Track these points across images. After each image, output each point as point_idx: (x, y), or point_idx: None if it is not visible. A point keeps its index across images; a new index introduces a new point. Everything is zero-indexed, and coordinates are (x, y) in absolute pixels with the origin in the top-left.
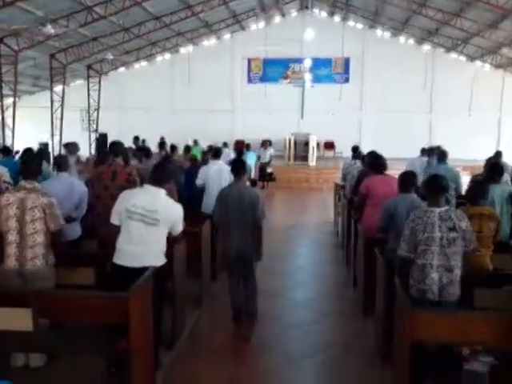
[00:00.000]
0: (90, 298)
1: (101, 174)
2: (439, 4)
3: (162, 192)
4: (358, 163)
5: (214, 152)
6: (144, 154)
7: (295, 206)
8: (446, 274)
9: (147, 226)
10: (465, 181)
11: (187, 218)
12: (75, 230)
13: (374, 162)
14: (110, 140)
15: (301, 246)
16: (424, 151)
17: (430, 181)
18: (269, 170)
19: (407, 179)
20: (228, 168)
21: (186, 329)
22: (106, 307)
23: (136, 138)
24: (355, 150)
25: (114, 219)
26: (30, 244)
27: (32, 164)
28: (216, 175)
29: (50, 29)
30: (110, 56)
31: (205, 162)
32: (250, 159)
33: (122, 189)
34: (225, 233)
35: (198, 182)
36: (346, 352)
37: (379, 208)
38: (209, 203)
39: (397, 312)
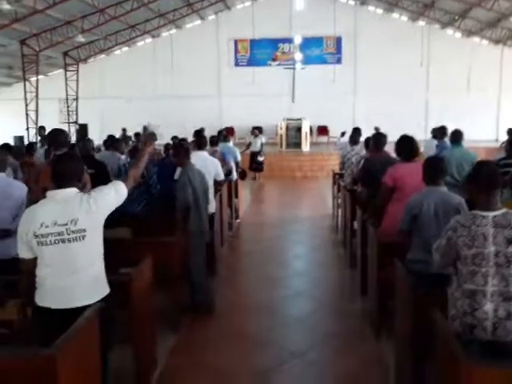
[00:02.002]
0: None
1: (38, 174)
2: None
3: (73, 192)
4: (358, 148)
5: (198, 141)
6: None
7: (289, 198)
8: (505, 304)
9: (70, 244)
10: None
11: (158, 221)
12: (10, 247)
13: (404, 147)
14: (90, 132)
15: (297, 245)
16: (434, 132)
17: (480, 172)
18: (260, 159)
19: (435, 167)
20: (213, 159)
21: (156, 369)
22: (20, 372)
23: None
24: (355, 133)
25: (22, 252)
26: None
27: None
28: (199, 168)
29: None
30: (81, 38)
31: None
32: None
33: None
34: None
35: (178, 176)
36: None
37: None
38: None
39: (438, 359)
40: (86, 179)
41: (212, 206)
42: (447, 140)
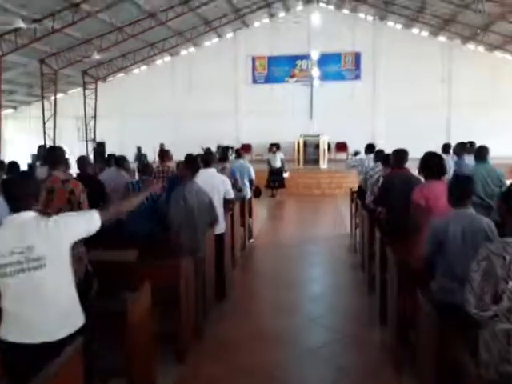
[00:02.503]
0: None
1: None
2: None
3: (30, 216)
4: (380, 166)
5: (204, 158)
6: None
7: (306, 216)
8: None
9: (31, 273)
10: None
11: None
12: None
13: (433, 163)
14: (108, 150)
15: (313, 267)
16: (446, 148)
17: None
18: (285, 175)
19: (463, 187)
20: (222, 177)
21: None
22: None
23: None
24: (373, 149)
25: None
26: None
27: None
28: (207, 186)
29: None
30: (96, 56)
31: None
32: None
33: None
34: None
35: None
36: None
37: None
38: None
39: None
40: (81, 198)
41: (221, 227)
42: (466, 157)
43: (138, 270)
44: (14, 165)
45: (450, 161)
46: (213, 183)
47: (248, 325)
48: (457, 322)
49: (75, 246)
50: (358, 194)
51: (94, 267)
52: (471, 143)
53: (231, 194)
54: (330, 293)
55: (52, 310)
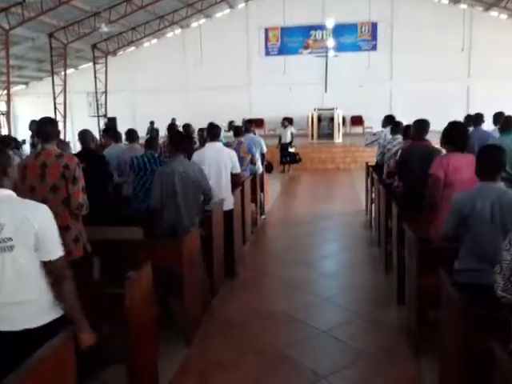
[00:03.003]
0: None
1: (25, 169)
2: None
3: (4, 194)
4: (401, 138)
5: (210, 130)
6: (112, 137)
7: (320, 192)
8: None
9: (2, 255)
10: None
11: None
12: None
13: (457, 134)
14: (120, 125)
15: (327, 243)
16: (470, 119)
17: None
18: (291, 150)
19: (493, 158)
20: (230, 151)
21: None
22: None
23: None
24: (392, 121)
25: None
26: None
27: None
28: (214, 160)
29: None
30: (104, 28)
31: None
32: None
33: (55, 190)
34: None
35: None
36: None
37: None
38: None
39: None
40: (76, 173)
41: (229, 203)
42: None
43: (141, 249)
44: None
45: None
46: (219, 158)
47: (258, 304)
48: (485, 305)
49: (73, 225)
50: (375, 169)
51: (99, 245)
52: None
53: (238, 169)
54: (345, 270)
55: (15, 297)
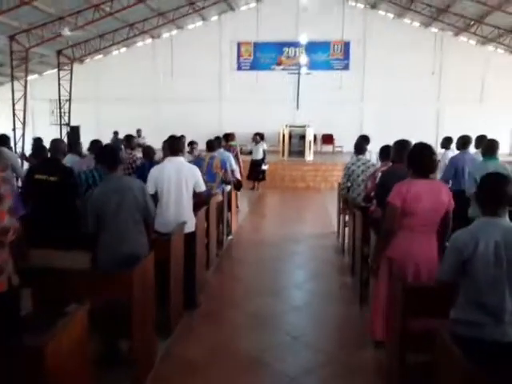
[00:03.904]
0: None
1: None
2: None
3: None
4: (364, 158)
5: (170, 144)
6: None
7: (290, 211)
8: None
9: None
10: None
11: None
12: None
13: (421, 157)
14: (83, 134)
15: (297, 270)
16: (447, 143)
17: None
18: (264, 168)
19: (498, 189)
20: (192, 167)
21: None
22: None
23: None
24: (362, 141)
25: None
26: None
27: None
28: (174, 177)
29: None
30: (67, 32)
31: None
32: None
33: None
34: None
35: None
36: None
37: (420, 236)
38: (163, 220)
39: None
40: (1, 189)
41: (190, 224)
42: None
43: (84, 280)
44: None
45: (449, 156)
46: (180, 174)
47: (220, 342)
48: (486, 364)
49: None
50: (347, 189)
51: (36, 273)
52: (483, 137)
53: (202, 186)
54: (316, 302)
55: None
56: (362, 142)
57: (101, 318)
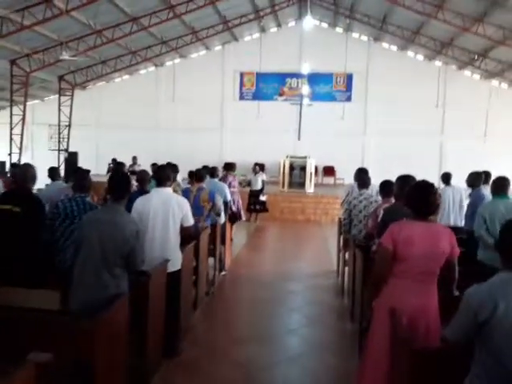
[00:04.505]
0: None
1: None
2: (459, 6)
3: None
4: (368, 193)
5: (158, 173)
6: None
7: (288, 246)
8: None
9: None
10: None
11: None
12: None
13: (420, 198)
14: (82, 161)
15: (292, 314)
16: (447, 178)
17: None
18: (263, 198)
19: None
20: (180, 198)
21: None
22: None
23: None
24: (363, 173)
25: None
26: None
27: None
28: (160, 210)
29: None
30: (65, 56)
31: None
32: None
33: None
34: None
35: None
36: None
37: (416, 285)
38: (147, 254)
39: None
40: None
41: (176, 262)
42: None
43: (43, 327)
44: None
45: (450, 193)
46: (167, 207)
47: None
48: None
49: None
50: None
51: None
52: (486, 173)
53: (190, 221)
54: (313, 353)
55: None
56: (362, 176)
57: (60, 375)
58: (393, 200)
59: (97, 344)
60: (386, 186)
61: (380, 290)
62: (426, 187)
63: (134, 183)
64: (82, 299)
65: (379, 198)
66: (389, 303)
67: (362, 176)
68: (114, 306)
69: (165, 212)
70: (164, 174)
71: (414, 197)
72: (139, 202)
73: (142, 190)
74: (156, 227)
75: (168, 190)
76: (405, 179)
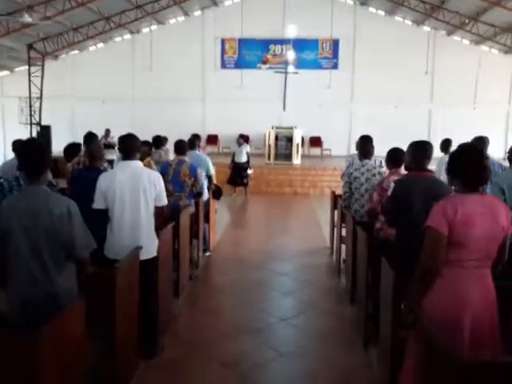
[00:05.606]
0: None
1: None
2: None
3: None
4: (370, 164)
5: (125, 143)
6: None
7: (277, 222)
8: None
9: None
10: None
11: None
12: None
13: (469, 164)
14: (55, 134)
15: (284, 298)
16: (447, 145)
17: None
18: (249, 172)
19: None
20: (152, 173)
21: None
22: None
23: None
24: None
25: None
26: None
27: None
28: (128, 187)
29: None
30: (27, 18)
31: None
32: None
33: None
34: None
35: (95, 204)
36: None
37: (474, 275)
38: (115, 244)
39: None
40: None
41: (151, 249)
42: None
43: None
44: None
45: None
46: (136, 183)
47: None
48: None
49: None
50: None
51: None
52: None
53: (163, 200)
54: (310, 346)
55: None
56: (366, 144)
57: None
58: (402, 170)
59: (43, 357)
60: (395, 154)
61: (430, 286)
62: (479, 152)
63: (109, 157)
64: (17, 302)
65: (383, 169)
66: (444, 301)
67: (365, 145)
68: (65, 309)
69: (134, 190)
70: (129, 144)
71: (466, 163)
72: (102, 180)
73: (90, 167)
74: (124, 209)
75: (136, 164)
76: (419, 146)
